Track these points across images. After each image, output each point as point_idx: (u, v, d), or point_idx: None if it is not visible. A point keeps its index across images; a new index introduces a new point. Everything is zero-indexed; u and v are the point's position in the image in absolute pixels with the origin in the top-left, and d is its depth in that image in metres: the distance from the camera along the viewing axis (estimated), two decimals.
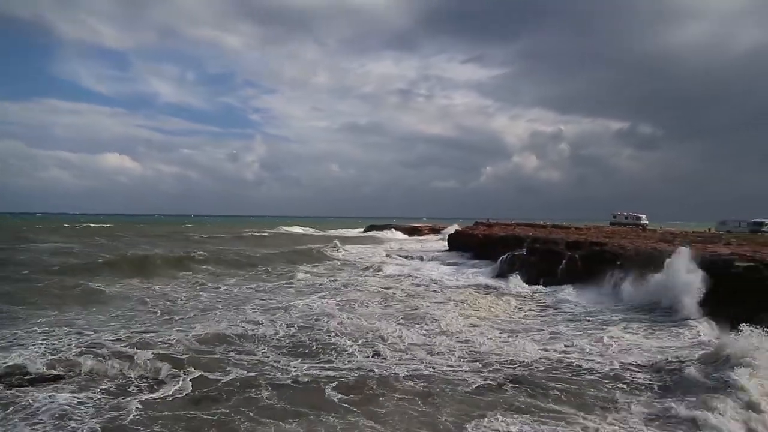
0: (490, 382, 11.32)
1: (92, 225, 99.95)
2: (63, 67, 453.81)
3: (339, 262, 39.56)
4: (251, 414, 9.31)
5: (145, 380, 10.84)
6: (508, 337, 15.86)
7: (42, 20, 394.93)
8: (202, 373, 11.31)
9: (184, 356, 12.49)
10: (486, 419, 9.23)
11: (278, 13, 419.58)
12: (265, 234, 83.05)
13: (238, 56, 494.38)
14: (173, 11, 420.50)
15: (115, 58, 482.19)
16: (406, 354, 13.51)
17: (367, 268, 34.96)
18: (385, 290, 25.21)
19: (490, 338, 15.46)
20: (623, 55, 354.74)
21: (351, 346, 14.04)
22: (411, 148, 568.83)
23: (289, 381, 11.08)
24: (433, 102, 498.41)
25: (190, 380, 10.87)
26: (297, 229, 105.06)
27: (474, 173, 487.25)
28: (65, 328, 14.97)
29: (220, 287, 25.04)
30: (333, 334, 15.37)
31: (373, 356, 13.22)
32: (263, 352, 13.37)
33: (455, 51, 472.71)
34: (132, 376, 11.02)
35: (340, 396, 10.27)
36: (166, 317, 17.71)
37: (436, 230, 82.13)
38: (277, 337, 14.95)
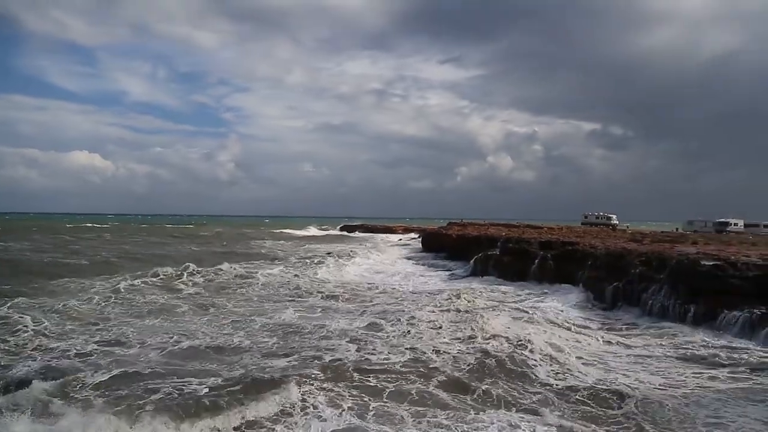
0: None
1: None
2: (28, 61, 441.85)
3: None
4: None
5: None
6: None
7: (6, 11, 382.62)
8: None
9: None
10: None
11: (253, 10, 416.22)
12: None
13: (212, 54, 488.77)
14: (145, 7, 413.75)
15: (84, 53, 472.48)
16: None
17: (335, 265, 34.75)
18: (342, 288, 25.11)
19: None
20: (595, 59, 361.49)
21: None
22: (386, 148, 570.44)
23: None
24: (409, 102, 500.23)
25: None
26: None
27: (449, 173, 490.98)
28: None
29: None
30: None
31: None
32: None
33: (431, 52, 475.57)
34: None
35: None
36: None
37: (410, 230, 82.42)
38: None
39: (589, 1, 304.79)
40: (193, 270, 27.12)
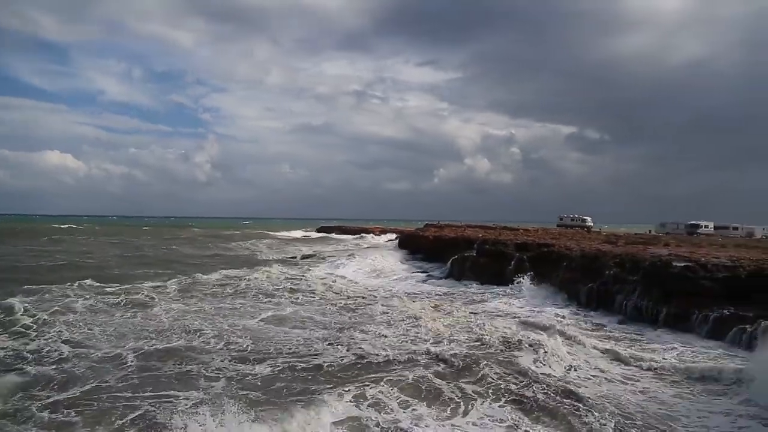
0: None
1: None
2: None
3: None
4: None
5: None
6: None
7: None
8: None
9: None
10: None
11: (231, 10, 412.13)
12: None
13: (189, 54, 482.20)
14: (121, 5, 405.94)
15: (56, 51, 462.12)
16: None
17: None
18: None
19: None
20: (572, 63, 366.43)
21: None
22: (364, 149, 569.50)
23: None
24: (388, 104, 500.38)
25: None
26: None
27: (427, 175, 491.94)
28: None
29: None
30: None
31: None
32: None
33: (410, 53, 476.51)
34: None
35: None
36: None
37: (386, 232, 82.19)
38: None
39: (567, 5, 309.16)
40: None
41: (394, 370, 12.28)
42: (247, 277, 28.26)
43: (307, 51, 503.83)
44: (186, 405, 9.60)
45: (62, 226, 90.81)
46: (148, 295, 21.66)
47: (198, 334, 15.32)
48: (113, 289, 22.67)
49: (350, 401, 10.15)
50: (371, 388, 10.86)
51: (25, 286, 22.33)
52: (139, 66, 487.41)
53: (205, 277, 27.72)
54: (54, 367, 11.76)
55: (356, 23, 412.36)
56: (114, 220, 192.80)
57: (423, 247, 43.55)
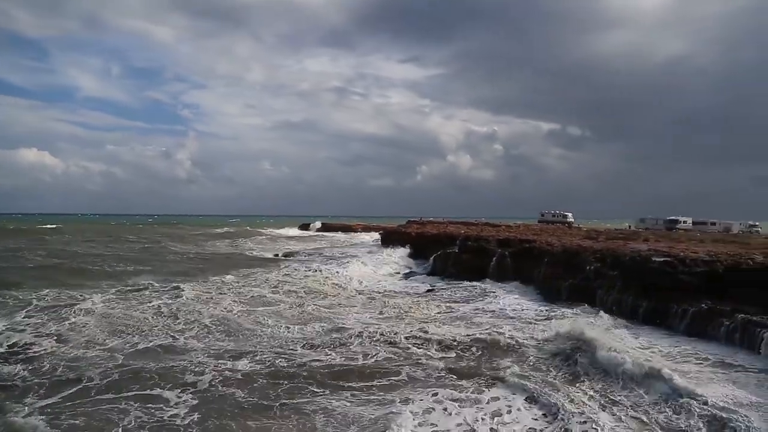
0: None
1: None
2: None
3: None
4: None
5: None
6: None
7: None
8: None
9: None
10: None
11: (213, 6, 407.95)
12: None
13: (168, 50, 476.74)
14: (100, 0, 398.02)
15: (32, 47, 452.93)
16: None
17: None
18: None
19: None
20: (554, 60, 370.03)
21: None
22: (346, 146, 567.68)
23: None
24: (369, 100, 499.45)
25: None
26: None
27: (409, 172, 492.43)
28: None
29: None
30: None
31: None
32: None
33: (392, 50, 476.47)
34: None
35: None
36: None
37: (369, 228, 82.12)
38: None
39: (549, 4, 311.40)
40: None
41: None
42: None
43: (289, 47, 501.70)
44: None
45: (50, 226, 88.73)
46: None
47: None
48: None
49: None
50: None
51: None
52: (117, 62, 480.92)
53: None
54: None
55: (339, 20, 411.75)
56: (95, 218, 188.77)
57: (406, 243, 43.49)
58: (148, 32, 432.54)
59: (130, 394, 10.40)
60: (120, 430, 8.89)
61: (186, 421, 9.32)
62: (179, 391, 10.58)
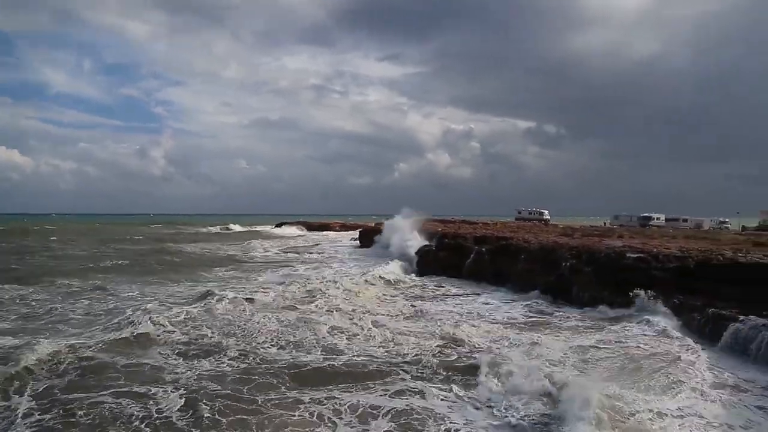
0: None
1: None
2: None
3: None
4: None
5: None
6: None
7: None
8: None
9: None
10: None
11: (190, 2, 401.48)
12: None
13: (143, 46, 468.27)
14: None
15: None
16: None
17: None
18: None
19: None
20: (531, 59, 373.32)
21: None
22: (325, 144, 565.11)
23: None
24: (348, 98, 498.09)
25: None
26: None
27: (388, 169, 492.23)
28: None
29: None
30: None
31: None
32: None
33: (371, 48, 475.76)
34: None
35: None
36: None
37: (348, 227, 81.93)
38: None
39: (527, 3, 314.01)
40: None
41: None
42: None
43: (267, 44, 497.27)
44: None
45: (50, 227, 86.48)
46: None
47: None
48: None
49: None
50: None
51: None
52: (90, 58, 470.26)
53: None
54: None
55: (318, 17, 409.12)
56: (70, 218, 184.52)
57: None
58: (122, 27, 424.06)
59: None
60: None
61: None
62: None
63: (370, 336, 15.02)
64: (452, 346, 14.01)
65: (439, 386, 10.86)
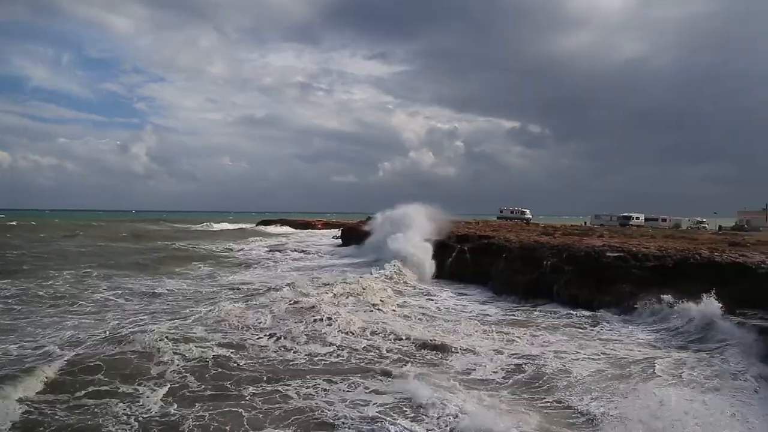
0: None
1: None
2: None
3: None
4: None
5: None
6: None
7: None
8: None
9: None
10: None
11: None
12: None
13: (126, 40, 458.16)
14: None
15: None
16: None
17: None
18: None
19: None
20: (516, 59, 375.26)
21: None
22: (309, 142, 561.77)
23: None
24: (333, 96, 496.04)
25: None
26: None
27: (372, 168, 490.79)
28: None
29: None
30: None
31: None
32: None
33: (358, 47, 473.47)
34: None
35: None
36: None
37: (331, 225, 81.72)
38: None
39: (513, 3, 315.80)
40: None
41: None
42: None
43: (252, 41, 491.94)
44: None
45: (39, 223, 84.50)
46: None
47: None
48: None
49: None
50: None
51: None
52: (70, 51, 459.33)
53: None
54: None
55: (304, 14, 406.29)
56: (47, 214, 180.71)
57: (365, 239, 43.42)
58: (104, 21, 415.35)
59: None
60: None
61: None
62: None
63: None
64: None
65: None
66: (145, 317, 16.55)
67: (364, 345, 13.58)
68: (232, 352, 12.40)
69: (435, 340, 14.23)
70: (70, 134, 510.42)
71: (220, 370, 11.26)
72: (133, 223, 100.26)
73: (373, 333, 14.72)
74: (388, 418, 8.92)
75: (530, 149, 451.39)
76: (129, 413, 8.88)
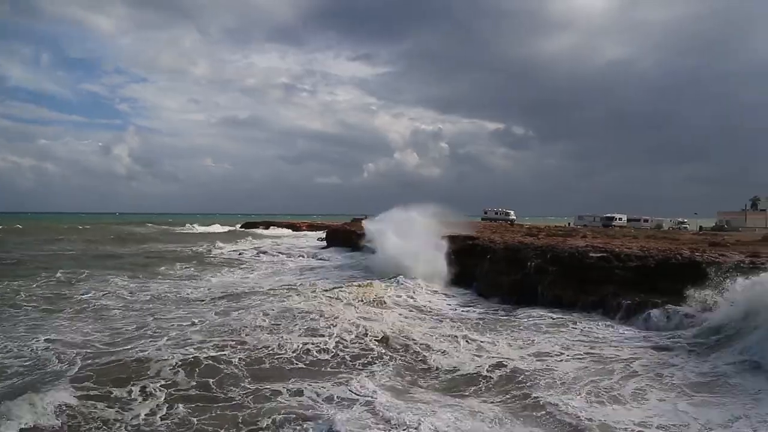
0: None
1: None
2: None
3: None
4: None
5: None
6: None
7: None
8: None
9: None
10: None
11: None
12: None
13: (108, 40, 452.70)
14: None
15: None
16: None
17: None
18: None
19: None
20: (500, 61, 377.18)
21: None
22: (293, 143, 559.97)
23: None
24: (317, 98, 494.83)
25: None
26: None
27: (356, 169, 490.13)
28: None
29: None
30: None
31: None
32: None
33: (341, 48, 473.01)
34: None
35: None
36: None
37: (315, 226, 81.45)
38: None
39: (496, 5, 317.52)
40: None
41: None
42: None
43: (236, 42, 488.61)
44: None
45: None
46: None
47: None
48: None
49: None
50: None
51: None
52: (49, 51, 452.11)
53: None
54: None
55: (288, 15, 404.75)
56: (29, 216, 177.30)
57: (350, 241, 43.42)
58: (86, 21, 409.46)
59: None
60: None
61: None
62: None
63: None
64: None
65: None
66: (133, 321, 16.44)
67: (353, 345, 13.64)
68: (221, 354, 12.27)
69: (415, 340, 14.33)
70: (51, 135, 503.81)
71: (211, 370, 11.17)
72: (119, 225, 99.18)
73: (362, 335, 14.63)
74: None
75: (514, 150, 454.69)
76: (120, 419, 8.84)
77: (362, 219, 64.73)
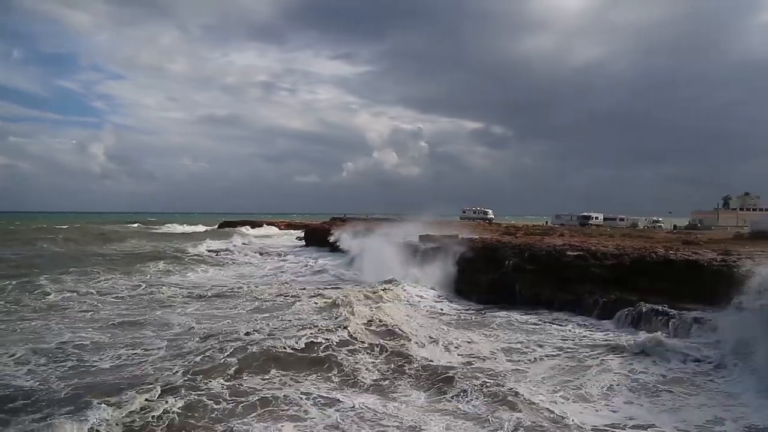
0: None
1: None
2: None
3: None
4: None
5: None
6: None
7: None
8: None
9: None
10: None
11: None
12: None
13: (83, 36, 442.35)
14: None
15: None
16: None
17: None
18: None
19: None
20: (479, 61, 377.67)
21: None
22: (272, 142, 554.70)
23: None
24: (297, 96, 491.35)
25: None
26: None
27: (335, 168, 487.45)
28: None
29: None
30: None
31: None
32: None
33: (321, 47, 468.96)
34: None
35: None
36: None
37: (293, 225, 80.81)
38: None
39: (476, 6, 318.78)
40: None
41: None
42: None
43: (215, 40, 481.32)
44: None
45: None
46: None
47: None
48: None
49: None
50: None
51: None
52: (22, 46, 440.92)
53: None
54: None
55: (268, 13, 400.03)
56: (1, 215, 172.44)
57: (327, 240, 43.29)
58: (61, 16, 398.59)
59: None
60: None
61: None
62: None
63: None
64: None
65: None
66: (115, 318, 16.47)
67: (337, 339, 13.59)
68: (204, 347, 12.38)
69: (392, 339, 14.30)
70: (22, 133, 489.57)
71: (195, 364, 11.20)
72: (97, 225, 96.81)
73: (336, 327, 14.51)
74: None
75: (493, 150, 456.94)
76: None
77: (341, 218, 64.65)
